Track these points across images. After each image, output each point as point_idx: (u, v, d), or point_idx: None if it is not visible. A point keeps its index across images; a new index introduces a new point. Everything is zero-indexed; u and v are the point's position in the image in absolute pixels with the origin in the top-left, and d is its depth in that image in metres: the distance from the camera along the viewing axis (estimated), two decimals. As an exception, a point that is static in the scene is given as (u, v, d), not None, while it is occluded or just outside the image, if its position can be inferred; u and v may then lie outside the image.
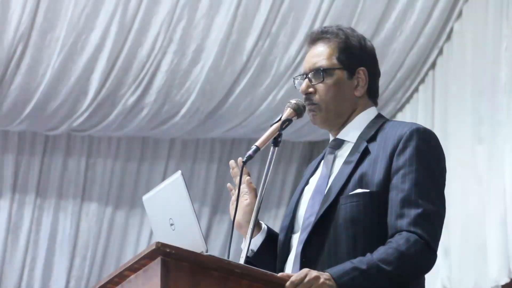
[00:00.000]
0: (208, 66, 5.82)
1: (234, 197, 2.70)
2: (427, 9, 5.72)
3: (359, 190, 2.55)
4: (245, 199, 2.74)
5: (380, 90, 2.88)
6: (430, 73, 5.94)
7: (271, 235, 2.77)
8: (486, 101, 5.34)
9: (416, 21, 5.75)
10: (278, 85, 5.98)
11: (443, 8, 5.72)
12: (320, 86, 2.70)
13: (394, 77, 5.96)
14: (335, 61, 2.71)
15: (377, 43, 5.61)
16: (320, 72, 2.70)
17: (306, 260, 2.53)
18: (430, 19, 5.76)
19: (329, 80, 2.70)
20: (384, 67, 5.73)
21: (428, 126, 3.14)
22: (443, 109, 5.69)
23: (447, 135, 5.52)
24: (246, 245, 2.54)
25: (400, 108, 6.15)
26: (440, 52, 5.87)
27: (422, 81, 5.99)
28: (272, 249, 2.72)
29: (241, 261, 2.49)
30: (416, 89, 6.03)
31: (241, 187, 2.71)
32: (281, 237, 2.69)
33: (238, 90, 5.99)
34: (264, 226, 2.78)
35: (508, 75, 5.23)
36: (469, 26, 5.64)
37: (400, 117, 6.10)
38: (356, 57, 2.72)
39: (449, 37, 5.82)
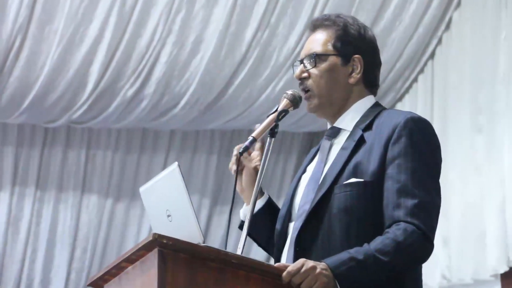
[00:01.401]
0: (208, 57, 5.81)
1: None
2: (426, -1, 5.72)
3: (353, 180, 2.54)
4: (256, 162, 2.75)
5: (379, 80, 2.87)
6: (429, 63, 5.93)
7: (271, 203, 2.80)
8: (485, 90, 5.33)
9: (415, 10, 5.75)
10: (277, 76, 5.98)
11: (442, -3, 5.72)
12: (314, 71, 2.71)
13: (393, 67, 5.96)
14: (330, 47, 2.72)
15: (376, 33, 5.52)
16: (313, 57, 2.70)
17: (300, 249, 2.54)
18: (429, 9, 5.76)
19: (322, 65, 2.71)
20: (383, 57, 5.65)
21: (427, 116, 3.14)
22: (442, 99, 5.68)
23: (446, 124, 5.51)
24: (245, 228, 2.54)
25: (400, 98, 6.15)
26: (439, 41, 5.87)
27: (421, 71, 5.98)
28: (269, 218, 2.75)
29: (241, 240, 2.51)
30: (415, 79, 6.03)
31: (254, 153, 2.75)
32: (278, 226, 2.70)
33: (237, 81, 5.98)
34: (266, 194, 2.80)
35: (507, 65, 5.23)
36: (468, 15, 5.63)
37: (399, 107, 6.10)
38: (352, 45, 2.73)
39: (448, 26, 5.81)
